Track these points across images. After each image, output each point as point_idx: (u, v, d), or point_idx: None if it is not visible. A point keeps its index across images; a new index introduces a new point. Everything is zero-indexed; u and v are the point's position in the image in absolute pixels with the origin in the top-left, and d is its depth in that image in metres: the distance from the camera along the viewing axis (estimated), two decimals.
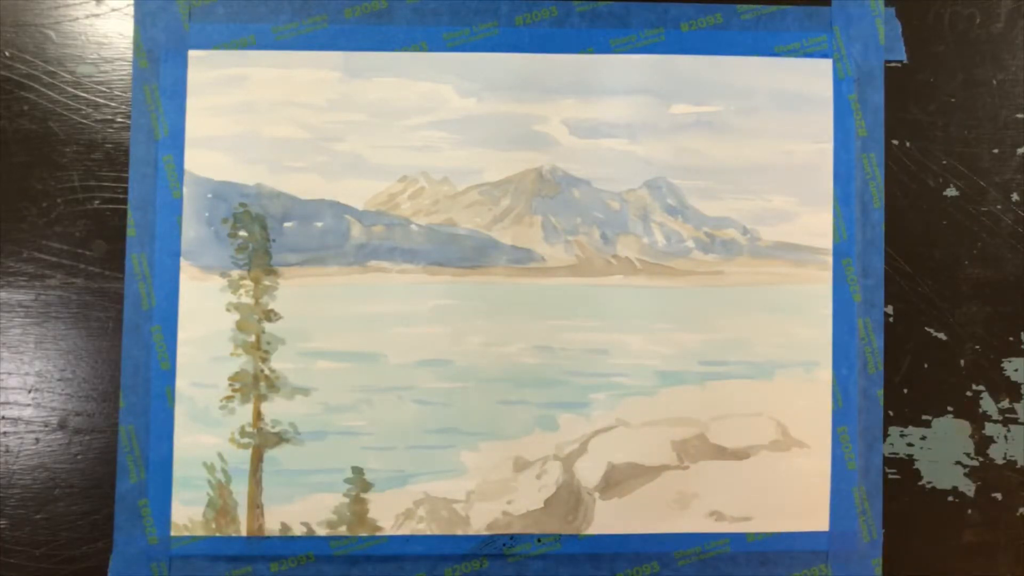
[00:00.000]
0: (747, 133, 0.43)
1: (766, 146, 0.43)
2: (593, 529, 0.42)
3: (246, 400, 0.42)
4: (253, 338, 0.42)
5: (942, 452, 0.44)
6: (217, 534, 0.41)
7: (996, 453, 0.44)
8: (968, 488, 0.44)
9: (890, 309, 0.44)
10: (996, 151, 0.45)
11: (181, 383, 0.41)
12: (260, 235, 0.42)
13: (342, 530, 0.41)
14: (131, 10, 0.43)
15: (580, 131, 0.43)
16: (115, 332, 0.42)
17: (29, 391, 0.42)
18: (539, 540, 0.41)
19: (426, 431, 0.42)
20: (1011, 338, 0.44)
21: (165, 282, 0.42)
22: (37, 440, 0.42)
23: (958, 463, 0.44)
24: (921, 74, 0.45)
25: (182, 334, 0.41)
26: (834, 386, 0.43)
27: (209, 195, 0.42)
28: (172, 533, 0.41)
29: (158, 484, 0.41)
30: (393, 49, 0.43)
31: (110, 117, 0.43)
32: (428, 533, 0.41)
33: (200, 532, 0.41)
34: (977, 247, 0.44)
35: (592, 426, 0.42)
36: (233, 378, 0.42)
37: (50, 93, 0.43)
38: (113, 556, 0.41)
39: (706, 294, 0.43)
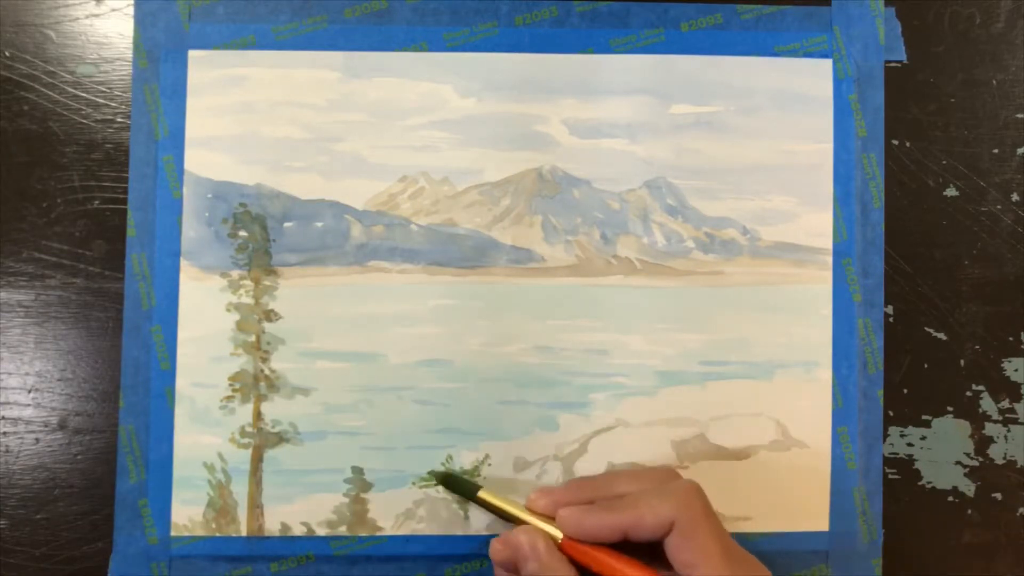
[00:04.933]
0: (747, 133, 0.43)
1: (766, 146, 0.43)
2: None
3: (246, 400, 0.42)
4: (253, 338, 0.42)
5: (942, 452, 0.44)
6: (217, 534, 0.41)
7: (996, 453, 0.44)
8: (968, 488, 0.44)
9: (890, 309, 0.44)
10: (996, 151, 0.45)
11: (181, 383, 0.41)
12: (260, 235, 0.42)
13: (342, 530, 0.41)
14: (131, 10, 0.43)
15: (580, 131, 0.43)
16: (115, 332, 0.42)
17: (29, 391, 0.42)
18: None
19: (426, 431, 0.42)
20: (1011, 338, 0.44)
21: (165, 282, 0.42)
22: (37, 440, 0.42)
23: (958, 463, 0.44)
24: (921, 74, 0.45)
25: (182, 334, 0.41)
26: (834, 386, 0.43)
27: (209, 195, 0.42)
28: (172, 533, 0.41)
29: (158, 484, 0.41)
30: (393, 49, 0.43)
31: (110, 117, 0.43)
32: (428, 533, 0.41)
33: (200, 532, 0.41)
34: (977, 247, 0.44)
35: (592, 426, 0.42)
36: (233, 378, 0.42)
37: (50, 93, 0.43)
38: (113, 556, 0.41)
39: (706, 294, 0.43)
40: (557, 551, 0.35)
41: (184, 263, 0.42)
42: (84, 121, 0.43)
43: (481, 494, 0.38)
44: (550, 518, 0.36)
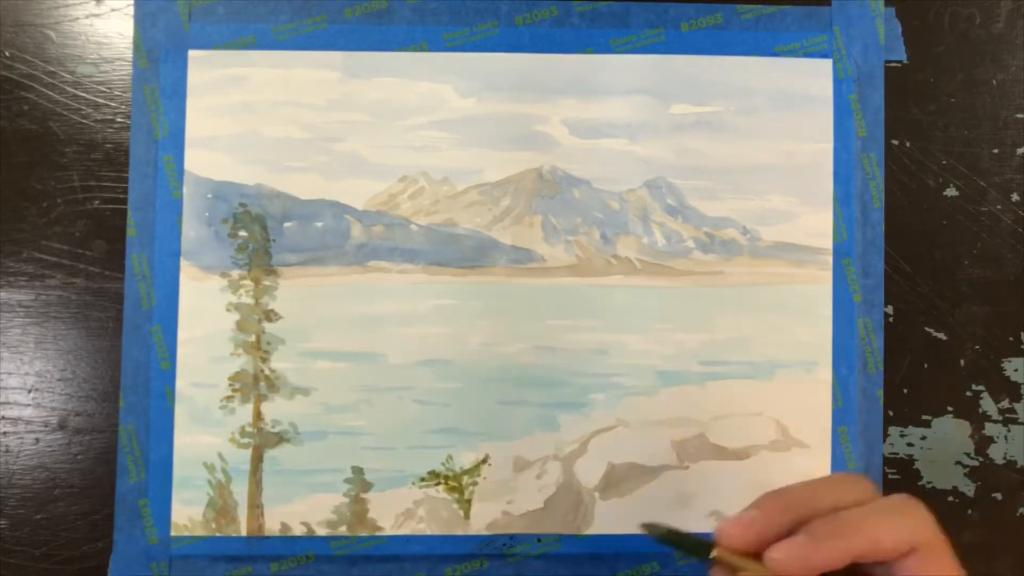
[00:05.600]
0: (747, 133, 0.43)
1: (766, 146, 0.43)
2: (593, 529, 0.42)
3: (246, 400, 0.42)
4: (253, 338, 0.42)
5: (942, 452, 0.44)
6: (217, 534, 0.41)
7: (996, 453, 0.44)
8: (968, 488, 0.44)
9: (890, 309, 0.44)
10: (996, 151, 0.45)
11: (181, 383, 0.41)
12: (260, 235, 0.42)
13: (342, 530, 0.41)
14: (131, 10, 0.43)
15: (580, 131, 0.43)
16: (115, 332, 0.42)
17: (29, 391, 0.42)
18: (539, 540, 0.41)
19: (426, 431, 0.42)
20: (1011, 338, 0.44)
21: (165, 282, 0.42)
22: (37, 440, 0.42)
23: (958, 463, 0.44)
24: (921, 74, 0.45)
25: (182, 334, 0.41)
26: (834, 386, 0.43)
27: (209, 195, 0.42)
28: (172, 533, 0.41)
29: (158, 484, 0.41)
30: (393, 49, 0.43)
31: (110, 117, 0.43)
32: (428, 533, 0.41)
33: (200, 532, 0.41)
34: (977, 247, 0.44)
35: (592, 426, 0.42)
36: (233, 378, 0.42)
37: (50, 93, 0.43)
38: (113, 556, 0.41)
39: (706, 294, 0.43)
40: None
41: (184, 263, 0.42)
42: (84, 121, 0.43)
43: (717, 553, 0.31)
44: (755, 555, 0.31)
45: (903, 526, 0.30)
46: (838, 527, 0.30)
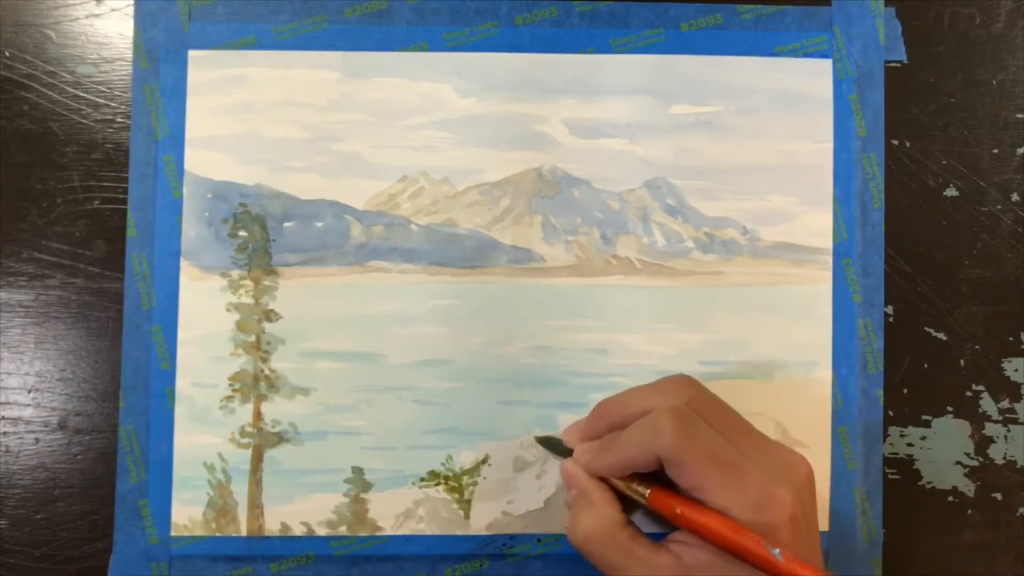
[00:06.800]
0: (747, 133, 0.43)
1: (766, 146, 0.43)
2: None
3: (246, 400, 0.42)
4: (253, 338, 0.42)
5: (942, 452, 0.44)
6: (217, 534, 0.41)
7: (996, 453, 0.44)
8: (968, 488, 0.44)
9: (890, 309, 0.44)
10: (996, 151, 0.45)
11: (181, 383, 0.41)
12: (260, 235, 0.42)
13: (342, 530, 0.41)
14: (131, 10, 0.43)
15: (580, 131, 0.43)
16: (115, 332, 0.42)
17: (29, 391, 0.42)
18: (539, 540, 0.41)
19: (426, 431, 0.42)
20: (1011, 338, 0.44)
21: (165, 282, 0.42)
22: (37, 440, 0.42)
23: (958, 463, 0.44)
24: (921, 74, 0.45)
25: (182, 334, 0.42)
26: (834, 386, 0.43)
27: (209, 195, 0.42)
28: (172, 533, 0.41)
29: (158, 484, 0.41)
30: (393, 49, 0.43)
31: (110, 117, 0.43)
32: (428, 533, 0.41)
33: (200, 532, 0.41)
34: (977, 247, 0.44)
35: None
36: (233, 378, 0.42)
37: (50, 93, 0.43)
38: (113, 556, 0.41)
39: (706, 294, 0.43)
40: (594, 479, 0.37)
41: (184, 263, 0.42)
42: (84, 121, 0.43)
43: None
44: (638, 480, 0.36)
45: (645, 442, 0.34)
46: (610, 442, 0.36)
